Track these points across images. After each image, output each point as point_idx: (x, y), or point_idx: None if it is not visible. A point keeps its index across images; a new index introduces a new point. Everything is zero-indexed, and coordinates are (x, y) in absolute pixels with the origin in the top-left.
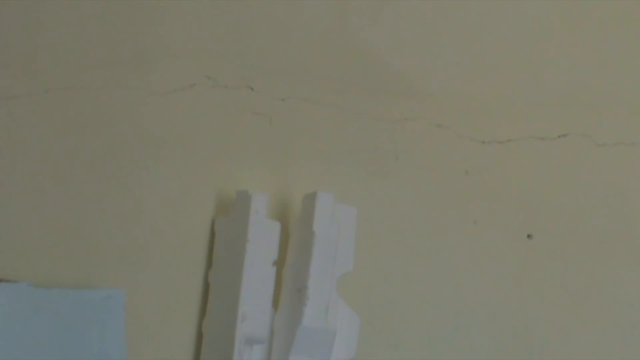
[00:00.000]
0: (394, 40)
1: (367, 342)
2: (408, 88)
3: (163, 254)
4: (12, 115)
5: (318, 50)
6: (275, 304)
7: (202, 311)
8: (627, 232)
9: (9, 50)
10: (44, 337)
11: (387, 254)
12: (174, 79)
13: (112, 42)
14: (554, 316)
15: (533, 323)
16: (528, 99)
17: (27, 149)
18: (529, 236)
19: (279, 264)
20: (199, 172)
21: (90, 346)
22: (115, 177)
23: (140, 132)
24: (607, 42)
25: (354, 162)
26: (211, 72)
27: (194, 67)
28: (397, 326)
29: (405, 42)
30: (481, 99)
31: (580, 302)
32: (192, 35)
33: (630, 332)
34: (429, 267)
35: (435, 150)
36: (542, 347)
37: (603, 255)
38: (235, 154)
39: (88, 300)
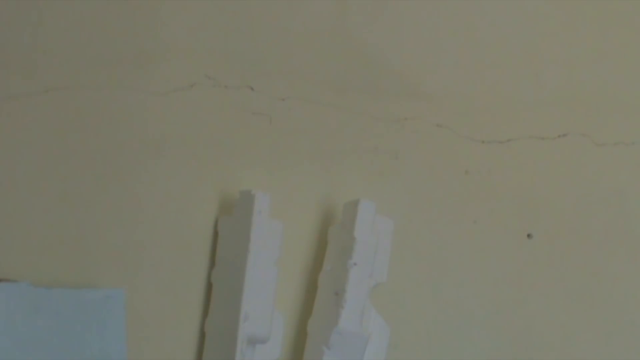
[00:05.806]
0: (394, 40)
1: None
2: (408, 88)
3: (165, 253)
4: (12, 115)
5: (318, 50)
6: (277, 304)
7: (205, 311)
8: (627, 232)
9: (9, 50)
10: (44, 337)
11: None
12: (174, 79)
13: (112, 42)
14: (554, 316)
15: (533, 323)
16: (528, 98)
17: (27, 149)
18: (529, 236)
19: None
20: (199, 172)
21: (90, 346)
22: (115, 176)
23: (140, 132)
24: (606, 42)
25: (354, 162)
26: (211, 72)
27: (194, 67)
28: (396, 326)
29: (405, 42)
30: (481, 99)
31: (580, 302)
32: (192, 35)
33: (630, 332)
34: (429, 266)
35: (435, 150)
36: (542, 347)
37: (603, 255)
38: (234, 153)
39: (88, 300)
